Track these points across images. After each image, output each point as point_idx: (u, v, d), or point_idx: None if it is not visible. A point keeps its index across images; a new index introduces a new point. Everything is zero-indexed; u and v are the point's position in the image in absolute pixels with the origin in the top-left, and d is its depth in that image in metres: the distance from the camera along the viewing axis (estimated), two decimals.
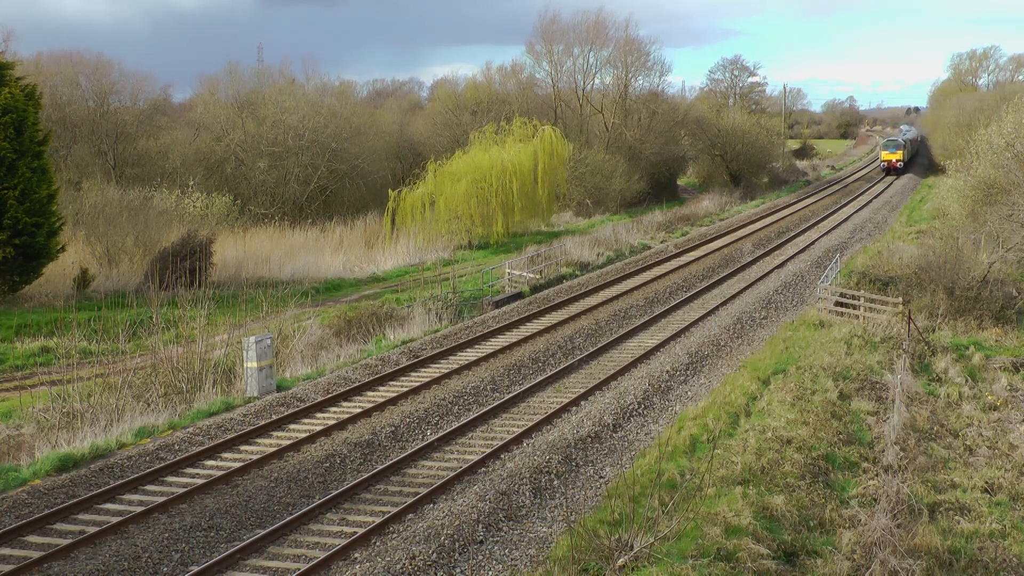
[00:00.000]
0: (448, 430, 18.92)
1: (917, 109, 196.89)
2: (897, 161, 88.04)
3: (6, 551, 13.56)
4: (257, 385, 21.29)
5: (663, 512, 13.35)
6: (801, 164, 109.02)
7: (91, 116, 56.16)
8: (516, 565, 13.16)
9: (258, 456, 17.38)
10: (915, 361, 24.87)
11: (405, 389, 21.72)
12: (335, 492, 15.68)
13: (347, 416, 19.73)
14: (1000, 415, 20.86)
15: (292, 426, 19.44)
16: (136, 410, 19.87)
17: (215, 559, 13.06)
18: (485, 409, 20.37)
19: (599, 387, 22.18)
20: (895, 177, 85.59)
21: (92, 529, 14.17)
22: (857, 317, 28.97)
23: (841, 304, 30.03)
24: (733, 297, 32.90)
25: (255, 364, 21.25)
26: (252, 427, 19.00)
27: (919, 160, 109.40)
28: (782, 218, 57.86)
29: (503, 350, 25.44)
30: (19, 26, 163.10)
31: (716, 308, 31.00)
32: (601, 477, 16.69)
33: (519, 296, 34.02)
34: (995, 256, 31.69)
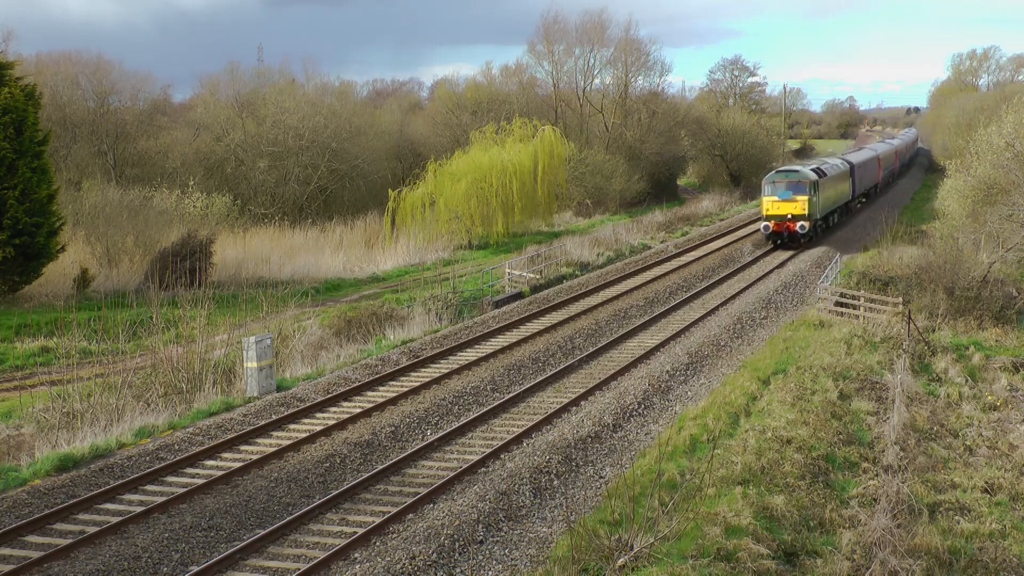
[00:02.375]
0: (448, 430, 18.92)
1: (917, 109, 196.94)
2: (795, 220, 41.82)
3: (6, 551, 13.55)
4: (257, 385, 21.29)
5: (663, 512, 13.35)
6: None
7: (91, 116, 56.17)
8: (516, 565, 13.16)
9: (258, 456, 17.37)
10: (915, 361, 24.86)
11: (405, 389, 21.71)
12: (335, 492, 15.67)
13: (347, 416, 19.73)
14: (1000, 415, 20.85)
15: (292, 426, 19.43)
16: (136, 410, 19.87)
17: (215, 559, 13.06)
18: (485, 409, 20.37)
19: (599, 387, 22.17)
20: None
21: (92, 529, 14.17)
22: (857, 317, 28.97)
23: (841, 304, 30.03)
24: (733, 297, 32.89)
25: (255, 364, 21.25)
26: (252, 427, 19.00)
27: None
28: None
29: (503, 350, 25.44)
30: (23, 27, 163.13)
31: (716, 308, 30.99)
32: (601, 477, 16.69)
33: (519, 296, 34.02)
34: (995, 256, 31.69)
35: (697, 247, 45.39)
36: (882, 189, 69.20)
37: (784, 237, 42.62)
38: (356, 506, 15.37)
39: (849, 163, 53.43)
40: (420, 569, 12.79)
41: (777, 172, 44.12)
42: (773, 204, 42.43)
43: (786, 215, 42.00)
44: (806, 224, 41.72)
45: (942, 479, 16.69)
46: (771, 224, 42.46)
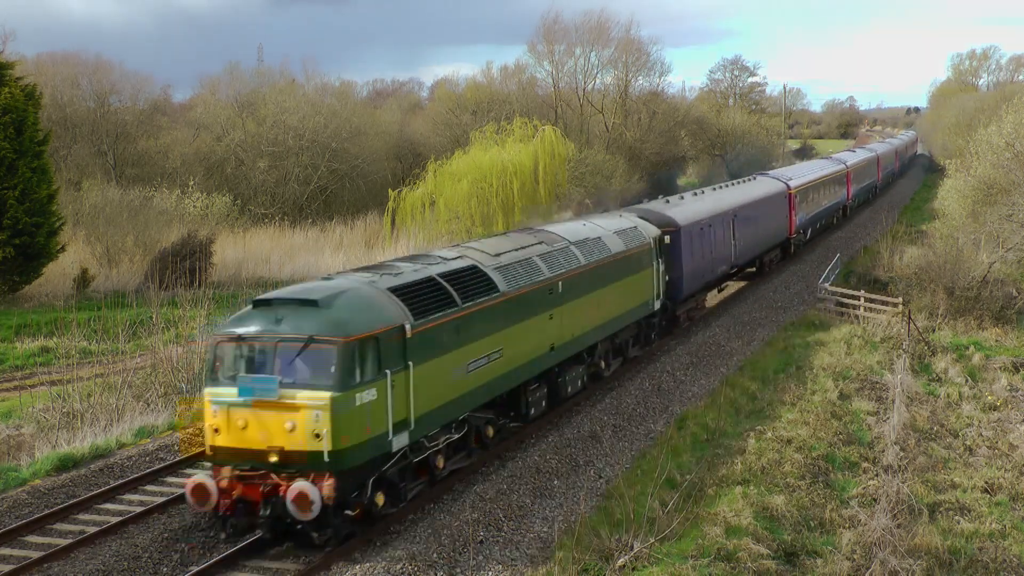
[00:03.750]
0: None
1: (917, 109, 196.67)
2: (291, 470, 12.29)
3: (6, 551, 13.55)
4: None
5: (663, 512, 13.35)
6: None
7: (91, 116, 56.17)
8: (516, 565, 13.15)
9: None
10: (915, 361, 24.87)
11: None
12: None
13: None
14: (1000, 415, 20.86)
15: None
16: (136, 410, 19.87)
17: (215, 559, 13.05)
18: None
19: (599, 387, 22.13)
20: None
21: (92, 529, 14.16)
22: (857, 317, 28.97)
23: (841, 304, 30.04)
24: (735, 296, 32.87)
25: None
26: None
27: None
28: None
29: None
30: (24, 27, 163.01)
31: (715, 308, 30.97)
32: (601, 477, 16.68)
33: None
34: (995, 256, 31.69)
35: None
36: (812, 238, 41.93)
37: (257, 520, 12.99)
38: None
39: (671, 226, 24.65)
40: (420, 569, 12.78)
41: (253, 308, 13.53)
42: (228, 417, 12.78)
43: (265, 451, 12.60)
44: (331, 488, 12.37)
45: (942, 479, 16.70)
46: (216, 484, 12.93)
